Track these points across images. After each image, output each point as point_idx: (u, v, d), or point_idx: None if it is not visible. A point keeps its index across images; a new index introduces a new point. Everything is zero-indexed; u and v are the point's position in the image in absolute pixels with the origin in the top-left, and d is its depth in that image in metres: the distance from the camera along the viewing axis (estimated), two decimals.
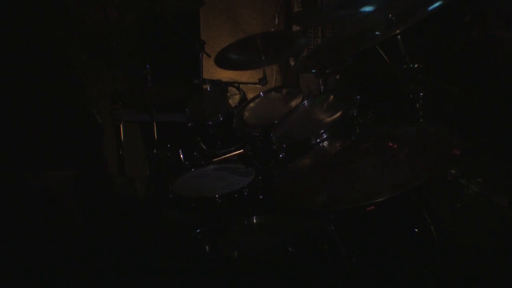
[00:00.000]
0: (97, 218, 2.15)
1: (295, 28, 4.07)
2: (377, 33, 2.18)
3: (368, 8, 2.52)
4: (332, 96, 2.52)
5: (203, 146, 3.02)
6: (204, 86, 3.39)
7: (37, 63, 2.08)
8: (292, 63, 4.03)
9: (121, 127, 3.60)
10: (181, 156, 2.92)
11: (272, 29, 4.23)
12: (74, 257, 2.01)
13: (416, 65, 2.11)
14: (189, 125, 3.06)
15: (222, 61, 3.25)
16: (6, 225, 2.00)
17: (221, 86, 3.30)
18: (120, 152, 3.60)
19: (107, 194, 2.35)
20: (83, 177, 2.09)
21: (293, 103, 2.71)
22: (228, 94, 3.21)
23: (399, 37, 2.05)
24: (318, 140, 2.19)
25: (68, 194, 2.04)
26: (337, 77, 2.90)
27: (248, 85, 3.53)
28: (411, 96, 2.16)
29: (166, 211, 2.64)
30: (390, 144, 1.91)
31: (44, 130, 2.02)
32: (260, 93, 2.99)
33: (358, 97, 2.27)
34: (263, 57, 3.15)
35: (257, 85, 3.29)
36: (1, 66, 2.06)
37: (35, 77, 2.06)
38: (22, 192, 1.99)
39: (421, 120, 2.19)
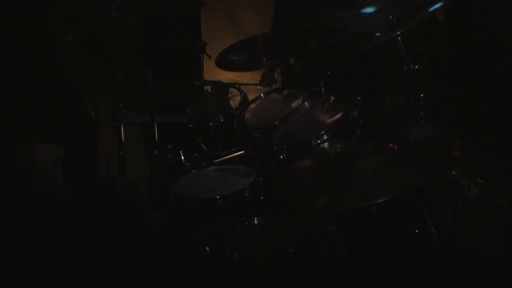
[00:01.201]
0: (94, 217, 2.15)
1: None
2: (377, 34, 2.18)
3: (369, 10, 2.53)
4: (332, 97, 2.53)
5: (204, 147, 3.02)
6: (205, 87, 3.39)
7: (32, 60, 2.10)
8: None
9: (122, 129, 3.60)
10: (182, 157, 2.92)
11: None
12: (58, 236, 2.01)
13: (417, 66, 2.11)
14: (190, 126, 3.07)
15: (223, 62, 3.25)
16: None
17: (222, 87, 3.30)
18: (121, 154, 3.60)
19: (103, 192, 2.35)
20: (71, 158, 2.10)
21: (294, 104, 2.71)
22: (229, 95, 3.21)
23: (399, 38, 2.05)
24: (319, 141, 2.19)
25: (55, 168, 2.04)
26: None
27: (249, 86, 3.54)
28: (412, 97, 2.17)
29: (166, 209, 2.65)
30: (391, 145, 1.91)
31: (33, 108, 2.03)
32: (261, 94, 2.99)
33: (359, 98, 2.28)
34: (264, 58, 3.15)
35: (258, 86, 3.29)
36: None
37: (30, 74, 2.07)
38: (9, 162, 2.00)
39: (421, 120, 2.19)
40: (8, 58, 2.07)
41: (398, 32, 1.99)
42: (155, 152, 3.06)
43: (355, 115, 2.21)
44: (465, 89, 2.90)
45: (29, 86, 2.04)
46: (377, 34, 2.19)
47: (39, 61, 2.11)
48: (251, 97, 3.08)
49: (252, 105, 2.94)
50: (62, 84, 2.17)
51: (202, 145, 3.03)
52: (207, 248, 2.06)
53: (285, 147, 2.30)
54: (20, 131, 2.00)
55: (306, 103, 2.59)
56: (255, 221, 2.23)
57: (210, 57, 3.46)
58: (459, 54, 3.01)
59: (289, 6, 4.00)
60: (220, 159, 2.87)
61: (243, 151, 2.81)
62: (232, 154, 2.88)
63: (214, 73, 4.02)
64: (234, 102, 3.09)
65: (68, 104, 2.18)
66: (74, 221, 2.06)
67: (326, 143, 2.18)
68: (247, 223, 2.23)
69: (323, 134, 2.19)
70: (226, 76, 3.95)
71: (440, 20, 3.00)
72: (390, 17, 2.11)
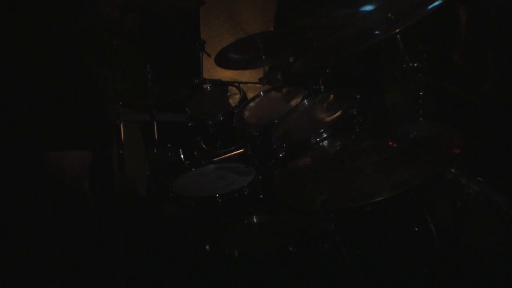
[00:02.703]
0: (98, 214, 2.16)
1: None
2: (376, 32, 2.18)
3: (368, 8, 2.52)
4: (332, 95, 2.53)
5: (204, 146, 3.02)
6: (205, 86, 3.39)
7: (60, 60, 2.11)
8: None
9: (122, 127, 3.60)
10: (182, 155, 2.92)
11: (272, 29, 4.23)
12: (85, 238, 2.03)
13: (416, 64, 2.11)
14: (190, 124, 3.06)
15: (222, 61, 3.25)
16: (23, 202, 2.02)
17: (221, 86, 3.30)
18: (121, 152, 3.60)
19: (108, 190, 2.37)
20: (95, 161, 2.12)
21: (293, 103, 2.71)
22: (228, 93, 3.21)
23: (398, 36, 2.05)
24: (318, 140, 2.19)
25: (84, 174, 2.06)
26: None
27: (248, 84, 3.53)
28: (411, 95, 2.17)
29: (166, 207, 2.65)
30: (390, 143, 1.91)
31: (60, 113, 2.04)
32: (260, 93, 2.99)
33: (358, 96, 2.28)
34: (263, 57, 3.15)
35: (257, 85, 3.29)
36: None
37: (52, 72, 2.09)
38: (40, 169, 2.01)
39: (421, 119, 2.19)
40: (38, 66, 2.09)
41: (397, 30, 1.99)
42: (155, 150, 3.07)
43: (354, 113, 2.21)
44: (476, 89, 2.90)
45: (59, 93, 2.06)
46: (376, 32, 2.19)
47: (68, 68, 2.12)
48: (250, 95, 3.08)
49: (252, 104, 2.94)
50: (90, 91, 2.19)
51: (202, 143, 3.03)
52: (207, 247, 2.06)
53: (284, 145, 2.30)
54: (49, 137, 2.01)
55: (305, 101, 2.59)
56: (255, 220, 2.24)
57: (209, 56, 3.46)
58: (476, 54, 2.99)
59: (289, 4, 4.00)
60: (219, 158, 2.87)
61: (242, 150, 2.80)
62: (232, 152, 2.88)
63: (213, 71, 4.02)
64: (234, 100, 3.09)
65: (95, 111, 2.20)
66: (99, 226, 2.08)
67: (326, 141, 2.18)
68: (246, 222, 2.24)
69: (322, 132, 2.19)
70: (226, 75, 3.94)
71: (461, 20, 3.00)
72: (389, 15, 2.11)
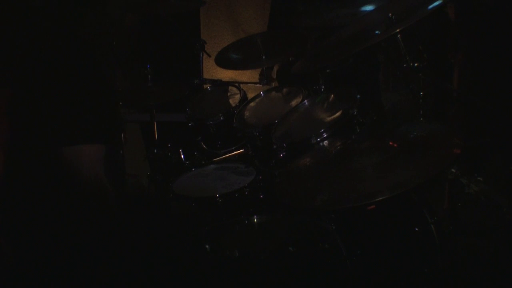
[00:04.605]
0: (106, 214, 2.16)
1: None
2: (377, 32, 2.18)
3: (368, 8, 2.52)
4: (332, 96, 2.53)
5: (204, 146, 3.02)
6: (205, 86, 3.39)
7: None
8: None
9: None
10: (182, 155, 2.92)
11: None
12: (106, 233, 2.03)
13: (416, 64, 2.11)
14: (190, 124, 3.06)
15: (223, 61, 3.25)
16: (41, 196, 2.02)
17: (221, 86, 3.30)
18: (121, 152, 3.60)
19: (120, 190, 2.37)
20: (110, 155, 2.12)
21: (294, 103, 2.71)
22: (229, 93, 3.21)
23: (399, 36, 2.05)
24: (318, 140, 2.19)
25: (99, 167, 2.05)
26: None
27: (249, 84, 3.53)
28: (412, 95, 2.17)
29: (166, 208, 2.65)
30: (391, 143, 1.91)
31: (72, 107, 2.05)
32: (260, 93, 2.99)
33: (358, 96, 2.27)
34: (264, 57, 3.15)
35: (258, 85, 3.29)
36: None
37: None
38: (57, 165, 2.01)
39: (421, 119, 2.19)
40: (53, 60, 2.09)
41: (398, 30, 1.99)
42: (155, 150, 3.07)
43: (355, 113, 2.21)
44: (472, 88, 2.89)
45: (73, 87, 2.06)
46: (377, 32, 2.19)
47: (82, 63, 2.13)
48: (250, 95, 3.08)
49: (252, 104, 2.93)
50: (102, 86, 2.19)
51: (202, 143, 3.03)
52: (207, 247, 2.06)
53: (284, 145, 2.30)
54: (65, 132, 2.01)
55: (305, 101, 2.59)
56: (255, 220, 2.23)
57: (209, 56, 3.45)
58: (468, 52, 2.99)
59: (287, 4, 4.00)
60: (219, 158, 2.87)
61: (242, 150, 2.80)
62: (232, 152, 2.88)
63: (213, 71, 4.02)
64: (234, 100, 3.09)
65: (108, 105, 2.20)
66: (120, 217, 2.08)
67: (326, 142, 2.18)
68: (246, 222, 2.23)
69: (322, 133, 2.19)
70: (226, 75, 3.95)
71: (450, 18, 2.99)
72: (390, 15, 2.11)
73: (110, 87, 2.31)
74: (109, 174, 2.11)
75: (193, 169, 2.81)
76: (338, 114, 2.28)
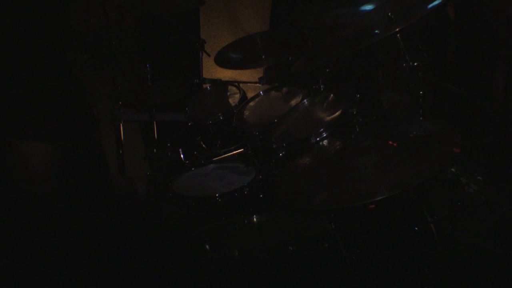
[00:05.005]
0: (94, 215, 2.14)
1: None
2: (376, 31, 2.18)
3: (368, 7, 2.52)
4: (332, 95, 2.52)
5: (203, 145, 3.02)
6: (204, 85, 3.39)
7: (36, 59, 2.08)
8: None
9: (121, 127, 3.60)
10: (181, 155, 2.91)
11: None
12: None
13: (416, 64, 2.11)
14: (189, 124, 3.06)
15: (222, 60, 3.25)
16: None
17: (221, 85, 3.30)
18: (120, 152, 3.60)
19: (103, 191, 2.34)
20: (67, 154, 2.06)
21: (293, 102, 2.70)
22: (228, 93, 3.20)
23: (398, 35, 2.04)
24: (318, 139, 2.19)
25: (49, 167, 2.00)
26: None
27: (248, 84, 3.53)
28: (411, 94, 2.16)
29: (166, 207, 2.65)
30: (390, 142, 1.91)
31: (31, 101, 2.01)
32: (260, 92, 2.98)
33: (358, 95, 2.27)
34: (263, 56, 3.15)
35: (257, 84, 3.29)
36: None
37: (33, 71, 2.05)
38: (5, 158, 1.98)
39: (421, 118, 2.19)
40: (9, 54, 2.06)
41: (397, 29, 1.99)
42: (155, 150, 3.06)
43: (354, 113, 2.21)
44: (469, 87, 2.89)
45: (29, 83, 2.03)
46: (376, 31, 2.19)
47: (39, 57, 2.10)
48: (250, 95, 3.08)
49: (251, 103, 2.93)
50: (63, 83, 2.16)
51: (202, 143, 3.03)
52: (207, 246, 2.06)
53: (284, 145, 2.30)
54: (15, 127, 1.98)
55: (305, 100, 2.59)
56: (255, 219, 2.23)
57: (209, 55, 3.45)
58: (465, 52, 3.00)
59: (287, 3, 4.00)
60: (219, 157, 2.87)
61: (242, 149, 2.80)
62: (231, 152, 2.88)
63: (213, 71, 4.01)
64: (233, 100, 3.09)
65: (69, 102, 2.17)
66: (67, 220, 2.05)
67: (325, 141, 2.18)
68: (246, 221, 2.23)
69: (322, 132, 2.19)
70: (225, 74, 3.94)
71: (450, 18, 2.99)
72: (389, 14, 2.10)
73: (78, 87, 2.27)
74: (71, 173, 2.07)
75: (192, 169, 2.81)
76: (337, 113, 2.28)
